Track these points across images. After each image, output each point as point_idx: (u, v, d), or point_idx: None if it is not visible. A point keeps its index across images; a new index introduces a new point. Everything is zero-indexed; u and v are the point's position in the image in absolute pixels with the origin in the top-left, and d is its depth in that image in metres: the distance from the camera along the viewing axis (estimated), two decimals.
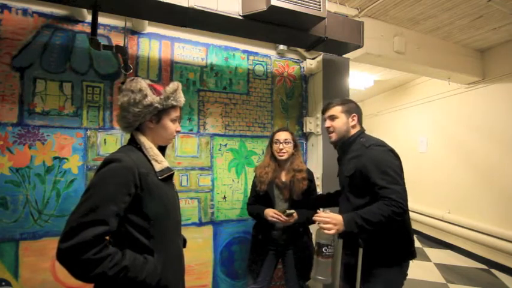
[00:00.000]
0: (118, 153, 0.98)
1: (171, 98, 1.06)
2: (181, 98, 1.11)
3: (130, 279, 0.87)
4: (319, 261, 1.34)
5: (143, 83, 1.03)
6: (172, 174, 1.09)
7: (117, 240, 0.96)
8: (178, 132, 1.15)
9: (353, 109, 1.53)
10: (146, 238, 0.96)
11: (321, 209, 1.37)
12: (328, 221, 1.29)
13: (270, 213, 1.71)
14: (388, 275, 1.37)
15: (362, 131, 1.54)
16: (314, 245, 1.37)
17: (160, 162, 1.04)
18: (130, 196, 0.91)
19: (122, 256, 0.87)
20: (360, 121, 1.55)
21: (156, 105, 1.03)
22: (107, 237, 0.90)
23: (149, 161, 1.02)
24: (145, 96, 1.01)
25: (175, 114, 1.11)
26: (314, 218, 1.35)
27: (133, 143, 1.05)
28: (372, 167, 1.32)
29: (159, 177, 1.01)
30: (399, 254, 1.39)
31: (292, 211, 1.65)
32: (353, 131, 1.53)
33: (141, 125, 1.06)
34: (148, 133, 1.07)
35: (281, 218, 1.66)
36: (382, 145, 1.41)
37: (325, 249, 1.32)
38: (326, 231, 1.28)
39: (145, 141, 1.04)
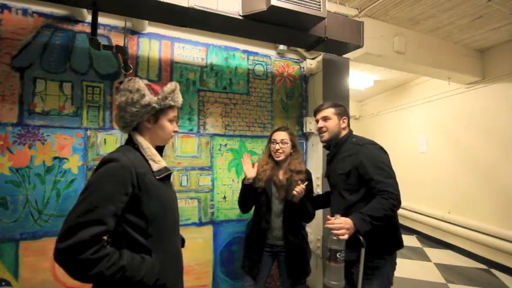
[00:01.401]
0: (115, 153, 0.98)
1: (169, 98, 1.06)
2: (179, 98, 1.11)
3: (128, 279, 0.87)
4: (332, 266, 1.32)
5: (141, 83, 1.03)
6: (170, 174, 1.09)
7: (115, 240, 0.96)
8: (175, 132, 1.15)
9: (344, 112, 1.66)
10: (144, 238, 0.96)
11: (335, 215, 1.37)
12: (342, 226, 1.30)
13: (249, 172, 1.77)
14: (382, 265, 1.45)
15: (351, 131, 1.67)
16: (327, 251, 1.35)
17: (157, 162, 1.04)
18: (127, 196, 0.91)
19: (119, 256, 0.87)
20: (348, 124, 1.67)
21: (154, 105, 1.03)
22: (105, 237, 0.90)
23: (147, 161, 1.02)
24: (143, 96, 1.01)
25: (173, 114, 1.11)
26: (326, 225, 1.34)
27: (131, 143, 1.05)
28: (368, 163, 1.44)
29: (157, 177, 1.01)
30: (390, 245, 1.49)
31: (306, 183, 1.67)
32: (343, 133, 1.65)
33: (138, 125, 1.06)
34: (145, 133, 1.07)
35: (298, 189, 1.64)
36: (374, 143, 1.54)
37: (339, 255, 1.31)
38: (340, 237, 1.29)
39: (143, 141, 1.04)
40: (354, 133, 1.68)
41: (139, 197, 0.94)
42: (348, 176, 1.51)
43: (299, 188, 1.64)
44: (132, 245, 0.94)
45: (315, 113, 1.72)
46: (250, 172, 1.78)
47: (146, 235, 0.96)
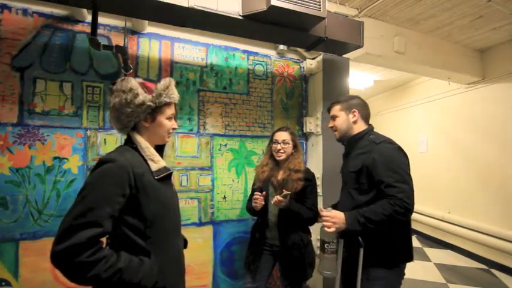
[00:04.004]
0: (113, 153, 0.97)
1: (164, 95, 1.03)
2: (174, 95, 1.08)
3: (125, 282, 0.85)
4: (323, 256, 1.37)
5: (133, 82, 1.01)
6: (170, 174, 1.07)
7: (114, 241, 0.95)
8: (174, 129, 1.12)
9: (353, 105, 1.53)
10: (142, 239, 0.95)
11: (327, 207, 1.39)
12: (328, 219, 1.31)
13: (255, 197, 1.72)
14: (388, 276, 1.37)
15: (371, 128, 1.53)
16: (319, 241, 1.42)
17: (157, 162, 1.02)
18: (124, 197, 0.90)
19: (117, 258, 0.86)
20: (363, 116, 1.54)
21: (149, 103, 1.01)
22: (103, 239, 0.88)
23: (145, 161, 1.00)
24: (137, 95, 0.99)
25: (170, 111, 1.08)
26: (320, 213, 1.38)
27: (130, 143, 1.04)
28: (381, 163, 1.31)
29: (156, 177, 0.99)
30: (399, 256, 1.39)
31: (288, 193, 1.61)
32: (357, 127, 1.52)
33: (136, 124, 1.04)
34: (144, 132, 1.06)
35: (274, 199, 1.64)
36: (392, 142, 1.40)
37: (327, 246, 1.35)
38: (326, 229, 1.32)
39: (142, 141, 1.02)
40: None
41: (137, 198, 0.93)
42: (358, 175, 1.41)
43: (275, 199, 1.63)
44: (130, 246, 0.93)
45: (328, 111, 1.67)
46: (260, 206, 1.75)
47: (145, 237, 0.95)
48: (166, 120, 1.07)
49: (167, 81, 1.05)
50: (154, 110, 1.04)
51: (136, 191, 0.93)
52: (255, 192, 1.75)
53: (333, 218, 1.31)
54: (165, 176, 1.04)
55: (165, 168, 1.04)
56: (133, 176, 0.92)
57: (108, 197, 0.86)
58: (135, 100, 0.99)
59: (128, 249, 0.93)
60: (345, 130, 1.54)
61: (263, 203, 1.72)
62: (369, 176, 1.37)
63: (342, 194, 1.62)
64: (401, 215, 1.23)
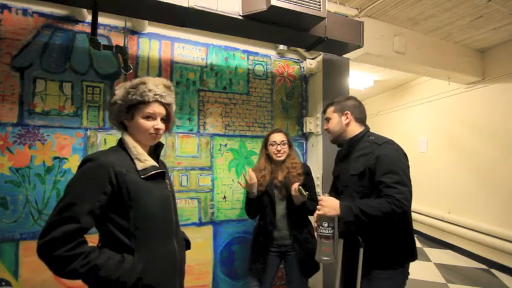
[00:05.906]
0: (96, 152, 1.02)
1: (131, 93, 1.01)
2: (149, 93, 1.02)
3: (103, 278, 0.87)
4: (320, 242, 1.36)
5: (124, 82, 1.07)
6: (162, 173, 1.08)
7: (102, 238, 0.98)
8: (157, 130, 1.06)
9: (346, 107, 1.51)
10: (127, 237, 0.96)
11: (325, 194, 1.42)
12: (320, 202, 1.34)
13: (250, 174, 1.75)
14: (393, 277, 1.35)
15: (367, 129, 1.51)
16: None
17: (143, 161, 1.03)
18: (106, 195, 0.92)
19: (97, 255, 0.88)
20: (357, 118, 1.51)
21: (119, 102, 1.03)
22: (85, 235, 0.91)
23: (132, 160, 1.02)
24: (113, 94, 1.05)
25: (147, 110, 1.04)
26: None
27: (120, 143, 1.07)
28: (382, 164, 1.30)
29: (142, 176, 1.00)
30: (402, 256, 1.38)
31: (306, 193, 1.67)
32: (350, 129, 1.50)
33: (125, 124, 1.08)
34: (130, 132, 1.08)
35: (295, 189, 1.69)
36: (393, 144, 1.39)
37: (318, 229, 1.35)
38: (316, 211, 1.36)
39: (130, 141, 1.05)
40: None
41: (120, 196, 0.95)
42: (361, 178, 1.38)
43: (293, 189, 1.69)
44: (116, 244, 0.95)
45: (323, 113, 1.68)
46: (253, 188, 1.78)
47: (129, 234, 0.96)
48: (142, 120, 1.04)
49: (138, 80, 1.04)
50: (130, 108, 1.04)
51: (119, 189, 0.95)
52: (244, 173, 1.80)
53: (325, 201, 1.33)
54: (155, 176, 1.04)
55: (153, 167, 1.05)
56: (115, 173, 0.94)
57: (86, 194, 0.90)
58: (111, 99, 1.05)
59: (114, 246, 0.95)
60: (337, 132, 1.53)
61: (255, 180, 1.76)
62: (371, 178, 1.35)
63: (342, 197, 1.55)
64: (397, 215, 1.22)
